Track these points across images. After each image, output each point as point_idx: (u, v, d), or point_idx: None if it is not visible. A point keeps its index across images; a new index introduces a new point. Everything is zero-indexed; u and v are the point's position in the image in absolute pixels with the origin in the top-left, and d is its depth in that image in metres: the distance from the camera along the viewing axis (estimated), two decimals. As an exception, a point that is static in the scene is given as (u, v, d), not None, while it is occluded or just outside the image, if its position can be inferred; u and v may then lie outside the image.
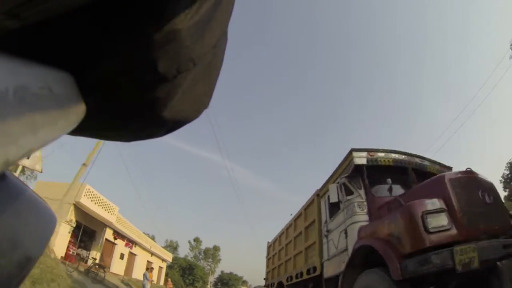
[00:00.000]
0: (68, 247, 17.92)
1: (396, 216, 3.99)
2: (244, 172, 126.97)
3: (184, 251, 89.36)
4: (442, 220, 3.60)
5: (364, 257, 4.51)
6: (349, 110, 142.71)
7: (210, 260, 68.23)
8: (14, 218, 0.27)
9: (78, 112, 0.32)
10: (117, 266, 24.80)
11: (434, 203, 3.70)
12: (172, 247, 66.12)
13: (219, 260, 69.93)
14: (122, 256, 26.66)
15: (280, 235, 11.34)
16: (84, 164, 12.62)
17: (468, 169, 4.20)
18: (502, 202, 4.15)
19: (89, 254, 20.71)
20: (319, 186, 7.61)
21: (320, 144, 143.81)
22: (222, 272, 74.04)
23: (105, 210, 21.20)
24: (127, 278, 25.40)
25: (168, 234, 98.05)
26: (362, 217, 5.07)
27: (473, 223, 3.62)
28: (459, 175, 4.08)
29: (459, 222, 3.58)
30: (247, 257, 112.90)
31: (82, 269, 16.11)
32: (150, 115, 0.39)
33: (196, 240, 68.96)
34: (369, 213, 5.03)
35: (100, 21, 0.30)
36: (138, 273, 29.31)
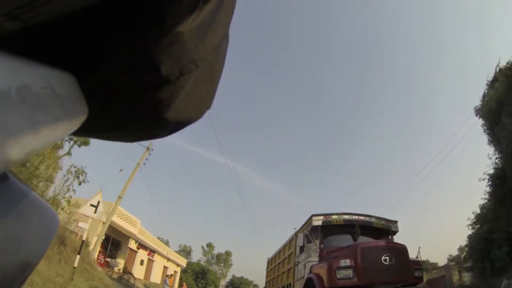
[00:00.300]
0: (97, 256, 21.27)
1: (325, 265, 6.77)
2: (255, 176, 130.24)
3: (197, 256, 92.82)
4: (348, 273, 6.31)
5: (311, 284, 7.30)
6: (354, 113, 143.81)
7: (222, 264, 71.35)
8: (17, 219, 0.27)
9: (80, 112, 0.32)
10: (138, 271, 28.06)
11: (346, 262, 6.39)
12: (185, 251, 69.51)
13: (231, 264, 72.95)
14: (142, 262, 30.10)
15: (275, 255, 14.31)
16: (119, 197, 15.81)
17: (383, 240, 6.98)
18: (407, 261, 6.60)
19: (115, 261, 24.00)
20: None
21: (325, 148, 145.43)
22: (233, 276, 77.11)
23: (129, 223, 24.54)
24: (148, 283, 28.70)
25: (181, 239, 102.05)
26: (314, 259, 7.86)
27: (371, 276, 6.25)
28: (370, 244, 6.74)
29: (360, 275, 6.24)
30: (258, 262, 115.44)
31: (114, 276, 19.35)
32: (153, 116, 0.40)
33: (209, 245, 72.18)
34: (320, 257, 7.74)
35: (102, 23, 0.30)
36: (155, 277, 32.85)
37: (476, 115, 13.51)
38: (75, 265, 8.52)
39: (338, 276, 6.32)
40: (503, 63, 12.77)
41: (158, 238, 41.99)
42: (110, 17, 0.30)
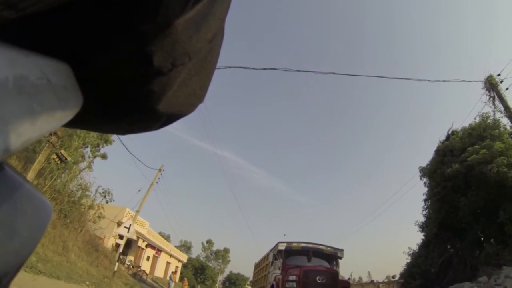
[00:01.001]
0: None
1: (281, 277, 10.52)
2: (258, 172, 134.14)
3: (196, 251, 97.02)
4: (293, 284, 9.83)
5: None
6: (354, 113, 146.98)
7: (220, 260, 75.60)
8: (11, 209, 0.26)
9: (75, 102, 0.32)
10: (144, 266, 32.20)
11: (293, 277, 9.96)
12: (186, 246, 73.61)
13: (229, 261, 77.18)
14: (148, 258, 34.27)
15: (259, 262, 18.25)
16: (137, 211, 19.72)
17: (320, 266, 10.67)
18: (336, 281, 9.95)
19: (127, 258, 28.05)
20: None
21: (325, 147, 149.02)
22: (230, 272, 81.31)
23: (139, 225, 28.54)
24: (154, 277, 32.86)
25: (182, 234, 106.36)
26: (278, 271, 11.56)
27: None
28: (310, 268, 10.28)
29: (301, 287, 9.75)
30: (254, 260, 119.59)
31: (129, 272, 23.33)
32: (145, 108, 0.40)
33: (209, 242, 76.38)
34: (281, 270, 11.51)
35: (96, 13, 0.30)
36: (159, 271, 37.14)
37: (420, 173, 16.10)
38: (115, 269, 12.38)
39: (287, 286, 10.09)
40: (456, 126, 15.13)
41: (160, 233, 45.86)
42: (103, 8, 0.30)
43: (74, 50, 0.33)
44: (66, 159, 8.46)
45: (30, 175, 7.72)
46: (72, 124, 0.35)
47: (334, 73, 11.07)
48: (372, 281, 29.75)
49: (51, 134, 8.00)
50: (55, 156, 8.20)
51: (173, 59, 0.36)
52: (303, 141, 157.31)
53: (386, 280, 24.87)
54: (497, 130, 12.27)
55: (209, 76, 0.48)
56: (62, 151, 8.29)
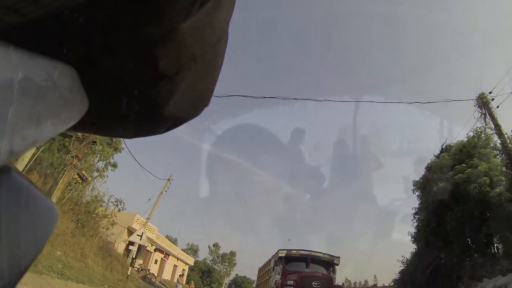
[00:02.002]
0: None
1: (280, 281, 11.45)
2: (263, 174, 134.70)
3: (203, 254, 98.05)
4: None
5: None
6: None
7: (226, 264, 76.49)
8: (16, 212, 0.27)
9: (81, 105, 0.32)
10: (153, 269, 33.38)
11: (290, 282, 10.94)
12: (192, 250, 74.65)
13: (235, 264, 77.94)
14: (156, 262, 35.50)
15: (262, 267, 19.37)
16: (147, 219, 20.91)
17: (316, 271, 11.59)
18: (331, 286, 10.92)
19: (136, 261, 29.23)
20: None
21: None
22: (236, 275, 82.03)
23: (148, 230, 29.70)
24: (162, 280, 34.07)
25: (189, 237, 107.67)
26: (278, 276, 12.50)
27: None
28: (306, 274, 11.21)
29: None
30: (260, 263, 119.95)
31: (139, 275, 24.48)
32: (151, 112, 0.41)
33: (215, 245, 77.34)
34: (281, 275, 12.40)
35: (101, 18, 0.31)
36: (167, 274, 38.30)
37: (413, 186, 16.85)
38: (129, 273, 13.45)
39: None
40: (451, 140, 15.87)
41: (167, 236, 47.00)
42: (109, 13, 0.30)
43: (80, 53, 0.34)
44: (86, 178, 9.50)
45: (56, 194, 8.76)
46: (77, 127, 0.37)
47: (327, 100, 12.12)
48: (375, 285, 30.44)
49: (73, 157, 9.02)
50: (76, 176, 9.22)
51: (178, 63, 0.37)
52: (306, 140, 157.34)
53: (392, 284, 25.71)
54: (484, 149, 12.83)
55: (214, 80, 0.49)
56: (84, 172, 9.33)
